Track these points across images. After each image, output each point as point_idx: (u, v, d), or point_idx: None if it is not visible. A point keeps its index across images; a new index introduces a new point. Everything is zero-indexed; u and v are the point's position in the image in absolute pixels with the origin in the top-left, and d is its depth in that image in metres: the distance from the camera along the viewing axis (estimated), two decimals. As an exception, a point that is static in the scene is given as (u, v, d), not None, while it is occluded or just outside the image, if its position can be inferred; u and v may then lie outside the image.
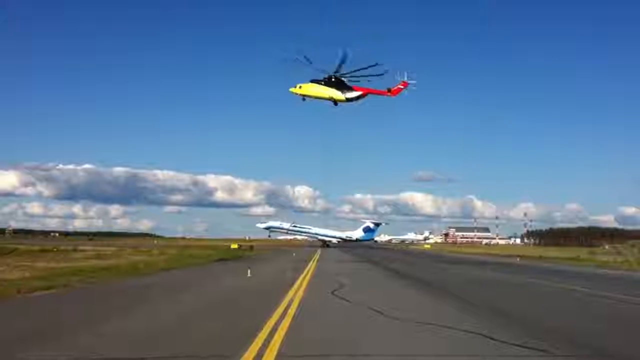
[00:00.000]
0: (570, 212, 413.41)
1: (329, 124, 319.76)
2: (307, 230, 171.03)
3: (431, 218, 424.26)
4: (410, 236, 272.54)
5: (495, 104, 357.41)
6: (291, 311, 16.28)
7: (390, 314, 15.87)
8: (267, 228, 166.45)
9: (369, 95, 56.69)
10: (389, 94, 55.40)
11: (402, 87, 54.97)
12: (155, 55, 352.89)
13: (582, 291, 25.65)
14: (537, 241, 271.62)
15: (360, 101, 56.96)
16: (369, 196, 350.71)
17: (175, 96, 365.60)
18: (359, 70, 52.92)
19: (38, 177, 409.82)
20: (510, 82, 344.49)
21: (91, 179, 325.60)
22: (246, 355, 10.48)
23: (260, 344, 11.37)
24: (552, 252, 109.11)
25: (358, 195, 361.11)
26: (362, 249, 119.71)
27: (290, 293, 21.53)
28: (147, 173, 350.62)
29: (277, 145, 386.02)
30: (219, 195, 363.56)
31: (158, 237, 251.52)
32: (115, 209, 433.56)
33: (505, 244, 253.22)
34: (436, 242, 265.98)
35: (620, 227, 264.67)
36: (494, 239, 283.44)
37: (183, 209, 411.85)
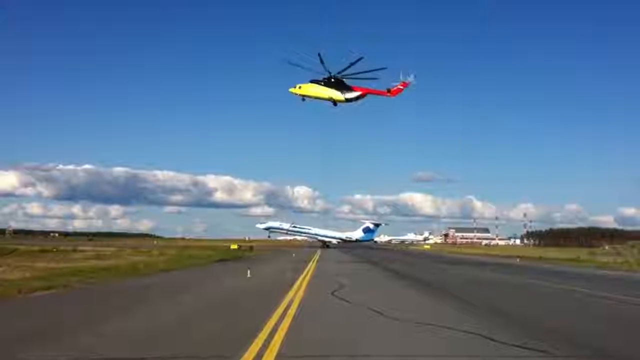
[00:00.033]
0: (570, 213, 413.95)
1: (329, 124, 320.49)
2: (306, 230, 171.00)
3: (431, 219, 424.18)
4: (410, 237, 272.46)
5: (494, 104, 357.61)
6: (291, 312, 16.29)
7: (390, 315, 15.88)
8: (267, 228, 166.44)
9: (369, 96, 56.77)
10: (388, 94, 55.46)
11: (401, 87, 55.03)
12: (155, 55, 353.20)
13: (582, 292, 25.66)
14: (536, 242, 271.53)
15: (359, 101, 57.03)
16: (368, 197, 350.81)
17: (175, 96, 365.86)
18: (348, 67, 52.92)
19: (38, 177, 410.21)
20: (509, 83, 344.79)
21: (91, 179, 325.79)
22: (246, 355, 10.48)
23: (260, 345, 11.37)
24: (552, 252, 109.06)
25: (358, 196, 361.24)
26: (362, 250, 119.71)
27: (290, 293, 21.53)
28: (147, 173, 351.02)
29: (277, 146, 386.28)
30: (219, 196, 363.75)
31: (158, 237, 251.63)
32: (115, 210, 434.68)
33: (505, 245, 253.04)
34: (436, 243, 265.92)
35: (620, 227, 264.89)
36: (494, 239, 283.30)
37: (183, 209, 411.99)
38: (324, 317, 15.75)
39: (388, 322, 14.67)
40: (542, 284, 30.31)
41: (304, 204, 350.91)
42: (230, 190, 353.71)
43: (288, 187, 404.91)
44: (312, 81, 55.69)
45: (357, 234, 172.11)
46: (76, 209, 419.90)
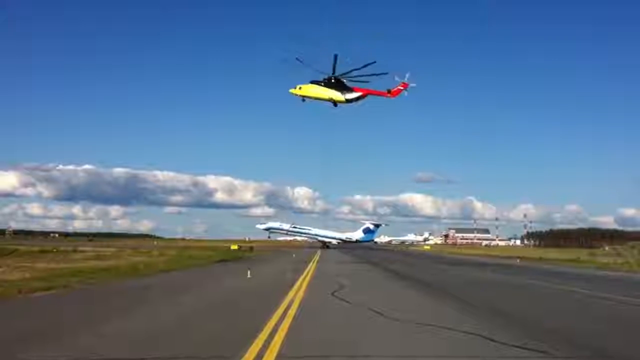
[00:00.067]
0: (570, 214, 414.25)
1: (329, 125, 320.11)
2: (307, 231, 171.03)
3: (431, 219, 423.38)
4: (410, 237, 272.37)
5: (494, 104, 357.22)
6: (291, 312, 16.29)
7: (390, 315, 15.88)
8: (267, 229, 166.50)
9: (369, 96, 56.77)
10: (388, 95, 55.48)
11: (401, 88, 55.04)
12: (155, 55, 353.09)
13: (582, 292, 25.65)
14: (537, 242, 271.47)
15: (360, 102, 57.03)
16: (368, 197, 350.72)
17: (175, 96, 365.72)
18: (358, 69, 52.95)
19: (38, 177, 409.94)
20: (510, 83, 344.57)
21: (91, 179, 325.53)
22: (246, 356, 10.49)
23: (260, 345, 11.38)
24: (552, 253, 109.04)
25: (358, 197, 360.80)
26: (362, 250, 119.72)
27: (291, 294, 21.53)
28: (147, 174, 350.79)
29: (277, 146, 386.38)
30: (219, 196, 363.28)
31: (158, 238, 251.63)
32: (115, 210, 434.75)
33: (505, 246, 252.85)
34: (436, 244, 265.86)
35: (620, 228, 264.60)
36: (494, 240, 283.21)
37: (183, 209, 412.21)
38: (324, 317, 15.76)
39: (388, 323, 14.68)
40: (542, 285, 30.30)
41: (304, 204, 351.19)
42: (231, 190, 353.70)
43: (288, 187, 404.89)
44: (312, 82, 55.70)
45: (357, 235, 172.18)
46: (76, 209, 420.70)
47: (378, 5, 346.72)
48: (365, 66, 51.80)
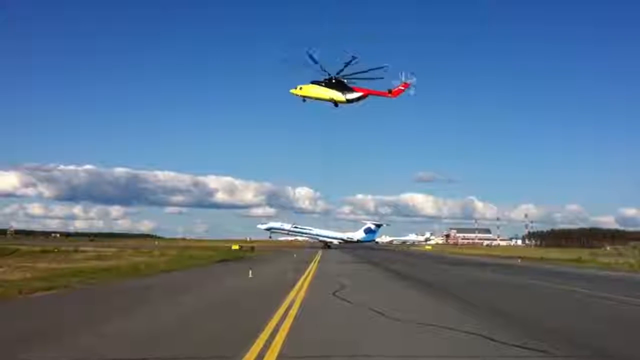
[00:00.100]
0: (570, 213, 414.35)
1: (330, 125, 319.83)
2: (308, 231, 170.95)
3: (432, 219, 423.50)
4: (412, 237, 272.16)
5: (495, 104, 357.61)
6: (292, 312, 16.30)
7: (392, 315, 15.89)
8: (268, 229, 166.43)
9: (370, 97, 56.78)
10: (389, 95, 55.47)
11: (402, 88, 55.02)
12: (155, 55, 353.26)
13: (583, 292, 25.64)
14: (538, 242, 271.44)
15: (360, 102, 57.03)
16: (369, 197, 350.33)
17: (175, 96, 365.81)
18: (359, 72, 53.00)
19: (39, 177, 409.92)
20: (511, 84, 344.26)
21: (92, 179, 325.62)
22: (247, 356, 10.50)
23: (261, 345, 11.39)
24: (553, 253, 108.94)
25: (359, 196, 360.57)
26: (363, 250, 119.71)
27: (292, 294, 21.55)
28: (147, 174, 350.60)
29: (278, 146, 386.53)
30: (220, 196, 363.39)
31: (159, 238, 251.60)
32: (116, 210, 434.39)
33: (507, 245, 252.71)
34: (437, 243, 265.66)
35: (621, 228, 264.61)
36: (495, 240, 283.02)
37: (184, 209, 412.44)
38: (325, 317, 15.77)
39: (389, 323, 14.68)
40: (543, 285, 30.29)
41: (305, 204, 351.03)
42: (231, 190, 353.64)
43: (289, 187, 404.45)
44: (313, 82, 55.70)
45: (359, 235, 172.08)
46: (77, 209, 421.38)
47: (377, 5, 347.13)
48: (373, 69, 51.80)
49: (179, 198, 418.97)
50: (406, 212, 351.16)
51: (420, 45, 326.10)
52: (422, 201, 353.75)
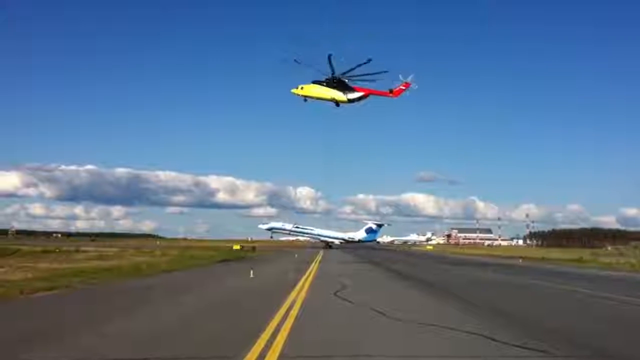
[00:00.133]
0: (572, 213, 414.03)
1: (331, 125, 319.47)
2: (309, 231, 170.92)
3: (433, 219, 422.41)
4: (413, 237, 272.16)
5: (496, 105, 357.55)
6: (293, 312, 16.31)
7: (393, 315, 15.89)
8: (269, 229, 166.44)
9: (371, 96, 56.80)
10: (390, 95, 55.49)
11: (403, 88, 55.05)
12: (155, 55, 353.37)
13: (584, 292, 25.63)
14: (539, 242, 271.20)
15: (362, 102, 57.06)
16: (371, 197, 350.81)
17: (176, 96, 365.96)
18: (357, 68, 52.96)
19: (40, 178, 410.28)
20: (511, 84, 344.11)
21: (93, 180, 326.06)
22: (248, 356, 10.51)
23: (262, 345, 11.40)
24: (555, 253, 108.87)
25: (360, 196, 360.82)
26: (365, 250, 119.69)
27: (293, 294, 21.55)
28: (149, 174, 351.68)
29: (279, 146, 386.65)
30: (221, 196, 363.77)
31: (160, 238, 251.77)
32: (117, 210, 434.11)
33: (508, 245, 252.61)
34: (438, 243, 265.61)
35: (622, 228, 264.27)
36: (497, 240, 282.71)
37: (185, 209, 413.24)
38: (326, 317, 15.77)
39: (391, 323, 14.69)
40: (544, 285, 30.28)
41: (307, 204, 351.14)
42: (233, 190, 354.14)
43: (290, 187, 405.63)
44: (314, 82, 55.74)
45: (360, 235, 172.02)
46: (78, 209, 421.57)
47: (377, 5, 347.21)
48: (359, 65, 51.79)
49: (180, 198, 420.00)
50: (407, 212, 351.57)
51: (421, 45, 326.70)
52: (424, 201, 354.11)
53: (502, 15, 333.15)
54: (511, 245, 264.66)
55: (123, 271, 34.44)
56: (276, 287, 24.89)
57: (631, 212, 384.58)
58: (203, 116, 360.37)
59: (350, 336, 12.78)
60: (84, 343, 11.62)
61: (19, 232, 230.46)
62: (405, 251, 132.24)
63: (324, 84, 55.25)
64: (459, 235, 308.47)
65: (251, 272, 32.67)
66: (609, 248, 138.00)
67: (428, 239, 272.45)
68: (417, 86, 55.07)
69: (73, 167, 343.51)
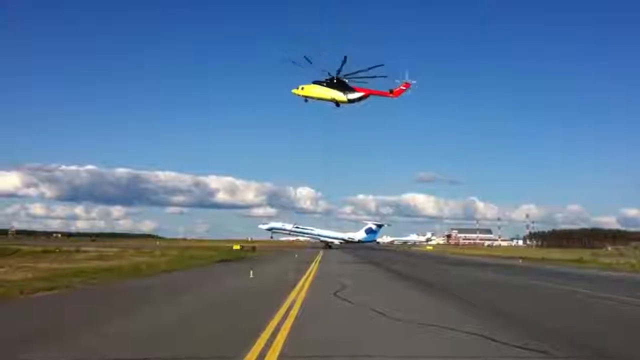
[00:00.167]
0: (572, 214, 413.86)
1: (331, 125, 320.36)
2: (309, 231, 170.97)
3: (433, 219, 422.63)
4: (413, 237, 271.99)
5: (496, 105, 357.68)
6: (293, 312, 16.31)
7: (393, 315, 15.89)
8: (269, 229, 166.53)
9: (371, 97, 56.85)
10: (391, 95, 55.57)
11: (404, 88, 55.11)
12: (155, 55, 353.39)
13: (584, 293, 25.63)
14: (539, 243, 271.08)
15: (362, 102, 57.13)
16: (371, 197, 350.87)
17: (175, 96, 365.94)
18: (361, 71, 53.07)
19: (40, 178, 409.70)
20: (511, 84, 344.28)
21: (93, 180, 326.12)
22: (248, 356, 10.51)
23: (262, 345, 11.40)
24: (555, 253, 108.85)
25: (360, 197, 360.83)
26: (364, 250, 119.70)
27: (293, 294, 21.55)
28: (148, 174, 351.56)
29: (279, 147, 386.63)
30: (221, 196, 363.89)
31: (160, 238, 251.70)
32: (117, 210, 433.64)
33: (508, 246, 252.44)
34: (438, 244, 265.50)
35: (622, 228, 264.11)
36: (496, 240, 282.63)
37: (185, 210, 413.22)
38: (326, 317, 15.77)
39: (390, 323, 14.68)
40: (544, 285, 30.28)
41: (307, 204, 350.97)
42: (233, 190, 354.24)
43: (290, 187, 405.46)
44: (314, 82, 55.79)
45: (360, 235, 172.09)
46: (79, 209, 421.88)
47: (378, 5, 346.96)
48: (370, 68, 51.92)
49: (180, 198, 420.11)
50: (407, 213, 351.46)
51: (421, 45, 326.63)
52: (424, 201, 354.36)
53: (502, 15, 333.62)
54: (511, 245, 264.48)
55: (123, 271, 34.43)
56: (276, 287, 24.89)
57: (631, 212, 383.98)
58: (203, 116, 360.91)
59: (350, 336, 12.77)
60: (84, 343, 11.62)
61: (19, 232, 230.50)
62: (405, 251, 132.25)
63: (324, 84, 55.30)
64: (458, 235, 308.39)
65: (251, 272, 32.66)
66: (609, 248, 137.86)
67: (428, 240, 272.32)
68: (415, 81, 55.12)
69: (73, 167, 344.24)
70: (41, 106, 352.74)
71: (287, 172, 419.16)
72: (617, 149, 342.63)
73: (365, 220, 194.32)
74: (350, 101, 56.09)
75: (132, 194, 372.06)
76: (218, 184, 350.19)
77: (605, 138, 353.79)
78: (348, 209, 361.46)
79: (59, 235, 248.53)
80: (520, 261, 69.94)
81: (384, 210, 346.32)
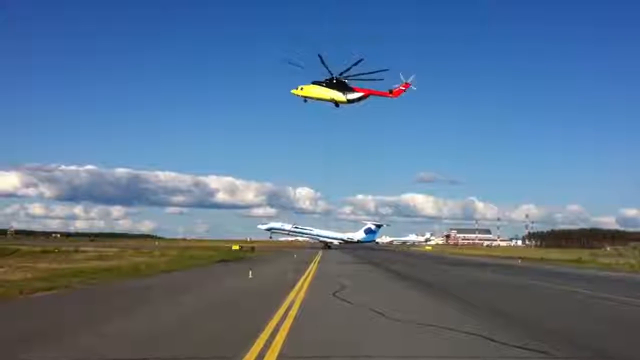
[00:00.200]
0: (571, 214, 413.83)
1: (331, 125, 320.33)
2: (308, 231, 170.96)
3: (432, 219, 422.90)
4: (412, 238, 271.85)
5: (496, 105, 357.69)
6: (292, 312, 16.30)
7: (392, 316, 15.88)
8: (269, 229, 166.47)
9: (371, 97, 56.88)
10: (390, 95, 55.61)
11: (403, 88, 55.14)
12: (155, 55, 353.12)
13: (583, 293, 25.64)
14: (538, 243, 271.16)
15: (361, 102, 57.17)
16: (370, 197, 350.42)
17: (175, 96, 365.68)
18: (363, 74, 53.15)
19: (40, 178, 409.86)
20: (512, 84, 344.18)
21: (93, 180, 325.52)
22: (247, 356, 10.50)
23: (261, 345, 11.39)
24: (554, 253, 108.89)
25: (359, 197, 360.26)
26: (364, 251, 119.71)
27: (292, 294, 21.54)
28: (148, 174, 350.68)
29: (279, 147, 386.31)
30: (220, 197, 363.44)
31: (159, 238, 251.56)
32: (116, 210, 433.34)
33: (507, 246, 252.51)
34: (437, 244, 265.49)
35: (621, 229, 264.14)
36: (496, 240, 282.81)
37: (184, 210, 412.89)
38: (325, 318, 15.76)
39: (390, 323, 14.68)
40: (544, 285, 30.29)
41: (306, 204, 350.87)
42: (232, 191, 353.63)
43: (290, 188, 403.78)
44: (314, 82, 55.83)
45: (359, 235, 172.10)
46: (78, 209, 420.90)
47: (377, 5, 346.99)
48: (355, 64, 51.92)
49: (179, 198, 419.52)
50: (407, 213, 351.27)
51: (420, 45, 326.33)
52: (423, 201, 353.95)
53: (502, 15, 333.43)
54: (510, 245, 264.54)
55: (122, 271, 34.41)
56: (275, 288, 24.88)
57: (631, 212, 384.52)
58: (203, 116, 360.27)
59: (350, 336, 12.77)
60: (83, 343, 11.61)
61: (18, 232, 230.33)
62: (404, 252, 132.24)
63: (324, 84, 55.33)
64: (458, 235, 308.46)
65: (250, 272, 32.66)
66: (608, 249, 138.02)
67: (427, 240, 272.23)
68: (415, 87, 55.17)
69: (73, 167, 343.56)
70: (41, 106, 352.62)
71: (286, 172, 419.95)
72: (616, 149, 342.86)
73: (365, 220, 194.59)
74: (349, 101, 56.13)
75: (132, 194, 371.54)
76: (218, 184, 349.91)
77: (604, 138, 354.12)
78: (347, 209, 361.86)
79: (58, 235, 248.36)
80: (519, 261, 69.99)
81: (383, 211, 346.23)
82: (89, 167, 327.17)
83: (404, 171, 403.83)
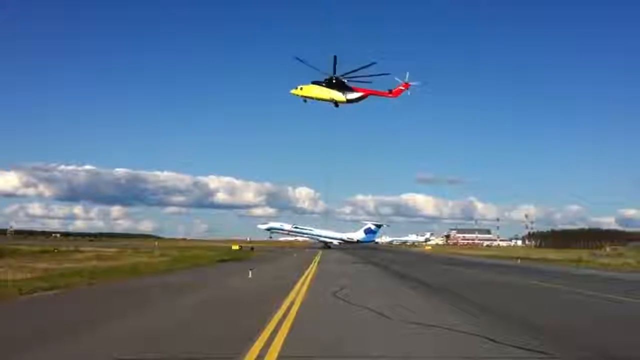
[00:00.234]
0: (571, 214, 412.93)
1: (330, 125, 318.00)
2: (308, 231, 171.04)
3: (432, 219, 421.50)
4: (412, 238, 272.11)
5: (496, 105, 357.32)
6: (292, 312, 16.30)
7: (392, 316, 15.89)
8: (268, 229, 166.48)
9: (370, 97, 56.90)
10: (390, 95, 55.64)
11: (403, 88, 55.19)
12: (155, 55, 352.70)
13: (583, 293, 25.64)
14: (538, 243, 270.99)
15: (361, 102, 57.18)
16: (370, 197, 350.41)
17: (175, 96, 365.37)
18: (354, 71, 53.14)
19: (39, 177, 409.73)
20: (511, 84, 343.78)
21: (92, 180, 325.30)
22: (248, 356, 10.50)
23: (261, 345, 11.39)
24: (553, 253, 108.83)
25: (359, 197, 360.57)
26: (363, 251, 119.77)
27: (292, 294, 21.55)
28: (148, 174, 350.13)
29: (278, 147, 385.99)
30: (220, 197, 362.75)
31: (159, 238, 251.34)
32: (116, 210, 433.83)
33: (507, 246, 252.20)
34: (437, 244, 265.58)
35: (621, 228, 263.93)
36: (495, 240, 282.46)
37: (184, 210, 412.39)
38: (325, 318, 15.77)
39: (389, 323, 14.68)
40: (544, 285, 30.29)
41: (306, 204, 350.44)
42: (232, 191, 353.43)
43: (289, 188, 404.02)
44: (313, 82, 55.84)
45: (359, 235, 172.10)
46: (77, 209, 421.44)
47: (377, 5, 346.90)
48: (363, 67, 51.96)
49: (179, 198, 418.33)
50: (406, 213, 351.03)
51: (420, 45, 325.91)
52: (423, 201, 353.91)
53: (502, 16, 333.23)
54: (510, 245, 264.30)
55: (122, 271, 34.40)
56: (275, 288, 24.88)
57: (630, 212, 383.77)
58: (203, 116, 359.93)
59: (349, 336, 12.76)
60: (83, 343, 11.61)
61: (18, 232, 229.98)
62: (404, 252, 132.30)
63: (323, 84, 55.34)
64: (457, 235, 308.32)
65: (250, 272, 32.66)
66: (608, 249, 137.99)
67: (427, 240, 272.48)
68: (416, 83, 55.28)
69: (72, 167, 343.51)
70: (40, 106, 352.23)
71: (286, 172, 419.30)
72: (616, 149, 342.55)
73: (364, 220, 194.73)
74: (349, 101, 56.15)
75: (131, 194, 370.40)
76: (217, 184, 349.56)
77: (605, 138, 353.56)
78: (347, 209, 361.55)
79: (58, 235, 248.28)
80: (519, 261, 70.03)
81: (382, 211, 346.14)
82: (88, 167, 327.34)
83: (404, 171, 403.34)
